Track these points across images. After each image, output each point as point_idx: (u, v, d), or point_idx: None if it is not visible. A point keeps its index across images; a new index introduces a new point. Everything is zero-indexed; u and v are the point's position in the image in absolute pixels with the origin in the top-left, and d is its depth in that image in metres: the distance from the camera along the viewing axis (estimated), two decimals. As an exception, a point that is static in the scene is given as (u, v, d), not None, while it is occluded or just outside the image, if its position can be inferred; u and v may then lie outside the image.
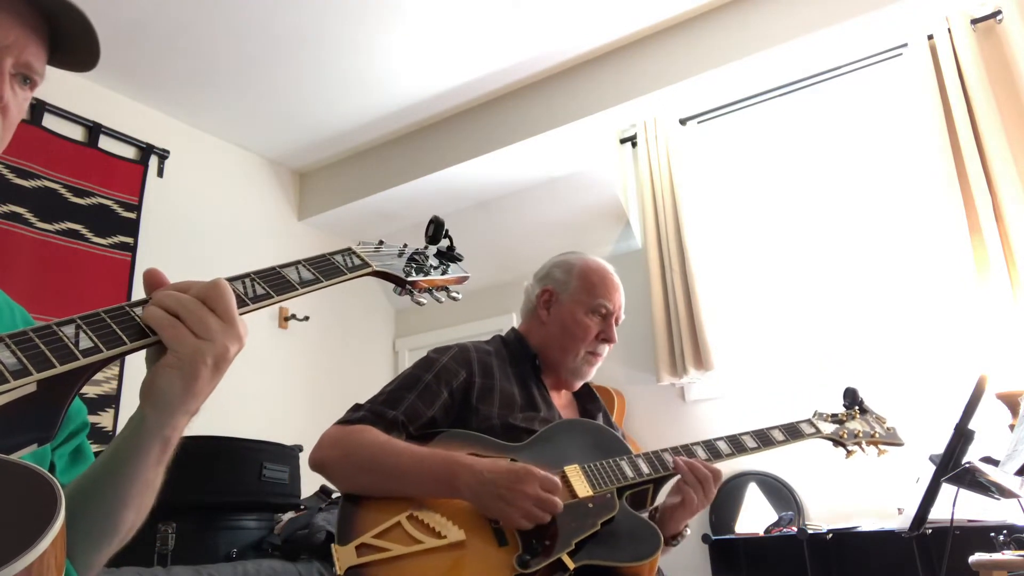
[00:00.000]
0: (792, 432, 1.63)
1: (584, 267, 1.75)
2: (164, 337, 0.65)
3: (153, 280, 0.70)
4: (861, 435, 1.69)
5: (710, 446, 1.54)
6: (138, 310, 0.67)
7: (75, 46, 0.83)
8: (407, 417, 1.47)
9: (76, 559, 0.77)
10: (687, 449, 1.52)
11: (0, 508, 0.49)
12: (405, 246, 1.05)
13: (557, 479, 1.30)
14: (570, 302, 1.71)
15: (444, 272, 1.07)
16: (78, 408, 0.90)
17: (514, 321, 3.98)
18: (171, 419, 0.69)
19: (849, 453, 1.68)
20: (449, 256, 1.10)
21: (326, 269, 0.86)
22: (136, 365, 3.29)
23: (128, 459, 0.72)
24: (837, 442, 1.68)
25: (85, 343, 0.62)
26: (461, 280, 1.10)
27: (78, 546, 0.75)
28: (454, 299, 1.08)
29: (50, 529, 0.47)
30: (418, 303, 1.04)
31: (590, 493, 1.37)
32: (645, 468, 1.45)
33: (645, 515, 1.44)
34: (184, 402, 0.67)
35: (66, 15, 0.80)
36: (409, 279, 1.00)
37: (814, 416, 1.71)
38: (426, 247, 1.09)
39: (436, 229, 1.11)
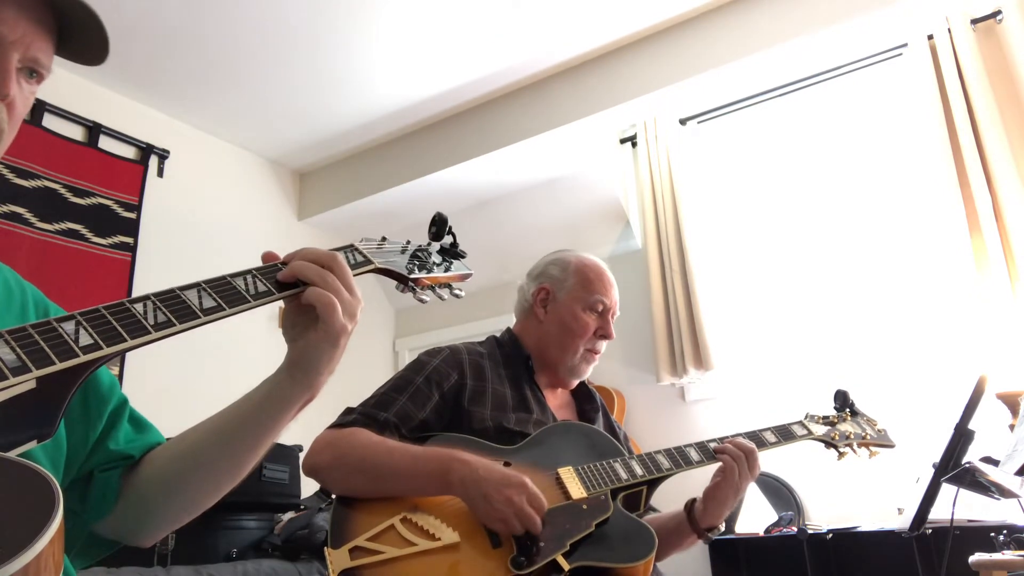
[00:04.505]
0: (784, 434, 1.64)
1: (580, 264, 1.74)
2: (325, 315, 0.77)
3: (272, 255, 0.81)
4: (852, 437, 1.69)
5: (703, 448, 1.54)
6: (138, 306, 0.67)
7: (84, 40, 0.83)
8: (399, 419, 1.46)
9: (203, 499, 0.89)
10: (680, 451, 1.52)
11: (-2, 506, 0.49)
12: (408, 243, 1.03)
13: (545, 502, 1.29)
14: (568, 299, 1.70)
15: (447, 269, 1.06)
16: (110, 386, 0.93)
17: (513, 321, 3.98)
18: (318, 380, 0.81)
19: (841, 455, 1.69)
20: (452, 253, 1.09)
21: None
22: (137, 364, 3.29)
23: (273, 413, 0.83)
24: (829, 444, 1.68)
25: (85, 339, 0.62)
26: (464, 277, 1.09)
27: (207, 487, 0.88)
28: (457, 296, 1.07)
29: (48, 527, 0.47)
30: (421, 300, 1.03)
31: (584, 495, 1.36)
32: (639, 470, 1.45)
33: (641, 517, 1.44)
34: (330, 367, 0.81)
35: (73, 8, 0.79)
36: (412, 276, 0.99)
37: (805, 418, 1.72)
38: (429, 244, 1.08)
39: (439, 226, 1.10)
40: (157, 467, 0.89)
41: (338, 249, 0.90)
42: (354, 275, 0.89)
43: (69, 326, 0.62)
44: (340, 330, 0.77)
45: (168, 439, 0.95)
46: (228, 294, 0.74)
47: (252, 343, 3.59)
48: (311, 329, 0.78)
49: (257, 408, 0.84)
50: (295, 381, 0.81)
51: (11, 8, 0.75)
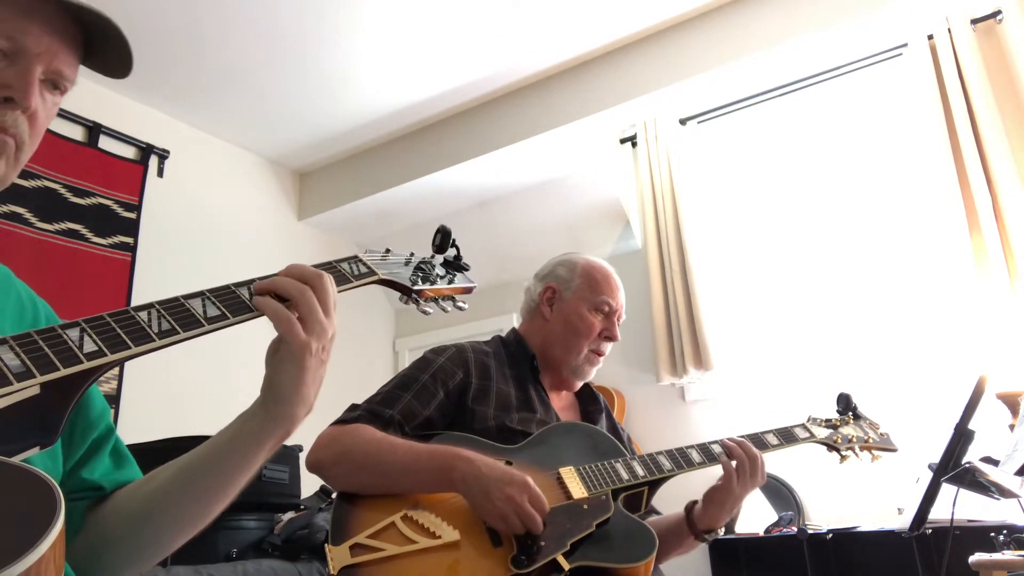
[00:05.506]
0: (786, 436, 1.64)
1: (587, 265, 1.76)
2: (280, 330, 0.73)
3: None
4: (855, 440, 1.69)
5: (704, 449, 1.54)
6: (142, 314, 0.67)
7: (108, 54, 0.85)
8: (403, 416, 1.47)
9: (166, 543, 0.85)
10: (681, 452, 1.52)
11: (0, 510, 0.49)
12: (412, 254, 1.04)
13: (546, 502, 1.29)
14: (574, 299, 1.71)
15: (450, 281, 1.06)
16: (101, 413, 0.90)
17: (514, 321, 3.98)
18: (291, 410, 0.76)
19: (843, 458, 1.69)
20: (456, 265, 1.09)
21: (333, 277, 0.86)
22: (137, 366, 3.28)
23: (245, 449, 0.79)
24: (831, 447, 1.68)
25: (90, 346, 0.62)
26: (467, 290, 1.09)
27: (172, 529, 0.84)
28: (460, 309, 1.07)
29: (50, 531, 0.47)
30: (423, 312, 1.03)
31: (585, 494, 1.37)
32: (640, 471, 1.45)
33: (642, 518, 1.44)
34: (300, 393, 0.75)
35: (99, 23, 0.81)
36: (415, 288, 0.99)
37: (808, 420, 1.72)
38: (433, 256, 1.09)
39: (443, 238, 1.10)
40: (123, 506, 0.85)
41: (342, 260, 0.90)
42: (357, 286, 0.89)
43: (74, 333, 0.62)
44: (302, 347, 0.73)
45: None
46: (232, 303, 0.74)
47: (254, 339, 3.58)
48: (279, 350, 0.75)
49: (229, 442, 0.80)
50: (267, 412, 0.77)
51: (37, 22, 0.76)
